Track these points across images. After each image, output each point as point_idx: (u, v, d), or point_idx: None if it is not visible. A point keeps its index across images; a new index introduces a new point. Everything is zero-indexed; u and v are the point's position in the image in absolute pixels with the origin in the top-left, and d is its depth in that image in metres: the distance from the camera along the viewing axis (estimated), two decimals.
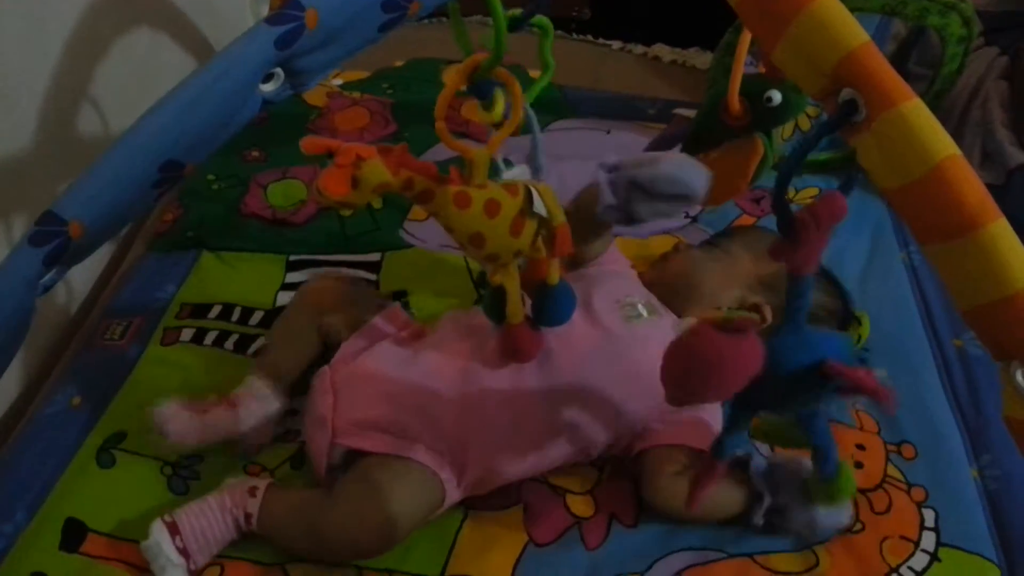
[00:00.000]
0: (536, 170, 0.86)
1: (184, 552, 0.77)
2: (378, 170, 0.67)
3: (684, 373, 0.55)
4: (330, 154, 0.66)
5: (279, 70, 0.71)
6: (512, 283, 0.79)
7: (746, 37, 0.70)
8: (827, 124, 0.55)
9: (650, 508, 0.86)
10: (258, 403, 0.87)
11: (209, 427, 0.85)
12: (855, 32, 0.53)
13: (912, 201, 0.52)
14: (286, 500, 0.82)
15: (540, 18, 0.79)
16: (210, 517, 0.79)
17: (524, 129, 0.86)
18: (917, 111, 0.51)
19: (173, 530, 0.77)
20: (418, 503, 0.81)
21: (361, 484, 0.81)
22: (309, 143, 0.66)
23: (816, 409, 0.62)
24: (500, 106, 0.75)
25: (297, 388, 0.91)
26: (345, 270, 1.11)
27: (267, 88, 0.71)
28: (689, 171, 0.79)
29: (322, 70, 0.74)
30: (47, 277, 0.69)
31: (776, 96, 0.68)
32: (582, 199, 0.88)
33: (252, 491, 0.80)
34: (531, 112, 0.86)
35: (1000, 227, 0.50)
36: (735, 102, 0.69)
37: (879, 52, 0.53)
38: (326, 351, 0.92)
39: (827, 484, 0.65)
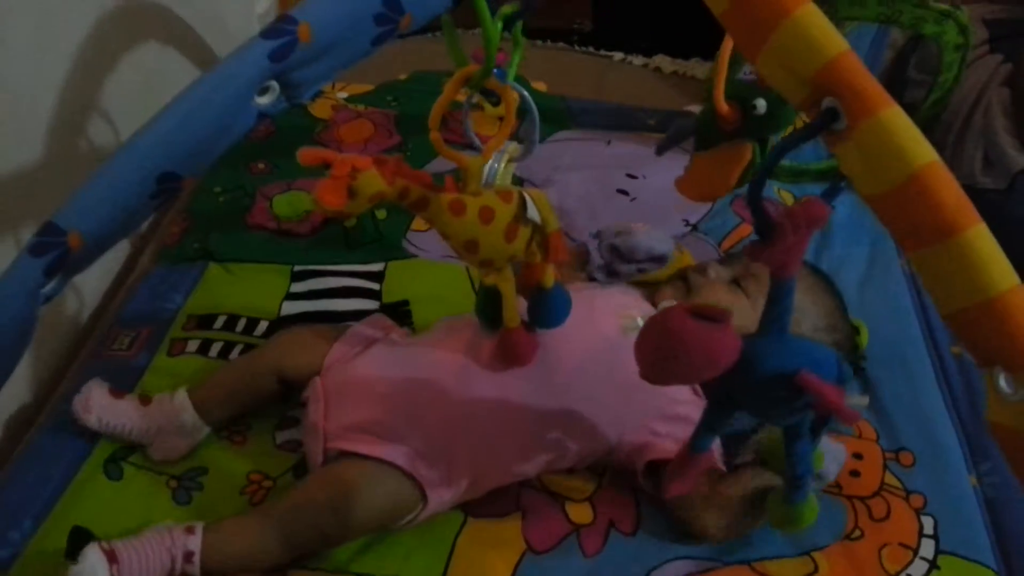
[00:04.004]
0: (531, 145, 0.86)
1: None
2: (374, 180, 0.68)
3: (653, 351, 0.56)
4: (327, 165, 0.68)
5: (274, 83, 0.73)
6: (508, 287, 0.80)
7: (729, 41, 0.72)
8: (806, 128, 0.56)
9: (678, 524, 0.85)
10: (171, 407, 0.88)
11: (114, 409, 0.88)
12: (835, 41, 0.53)
13: (893, 208, 0.53)
14: (233, 520, 0.81)
15: (516, 30, 0.81)
16: (149, 551, 0.75)
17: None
18: (895, 118, 0.51)
19: (111, 558, 0.74)
20: (382, 499, 0.81)
21: (326, 474, 0.83)
22: (306, 154, 0.67)
23: (801, 430, 0.61)
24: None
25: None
26: (348, 280, 1.12)
27: (263, 101, 0.73)
28: (657, 240, 1.00)
29: (317, 82, 0.75)
30: (48, 287, 0.70)
31: (760, 104, 0.69)
32: (574, 259, 1.01)
33: (189, 529, 0.78)
34: (527, 95, 0.85)
35: (978, 232, 0.50)
36: (722, 105, 0.70)
37: (859, 61, 0.54)
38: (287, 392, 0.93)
39: (790, 508, 0.64)
